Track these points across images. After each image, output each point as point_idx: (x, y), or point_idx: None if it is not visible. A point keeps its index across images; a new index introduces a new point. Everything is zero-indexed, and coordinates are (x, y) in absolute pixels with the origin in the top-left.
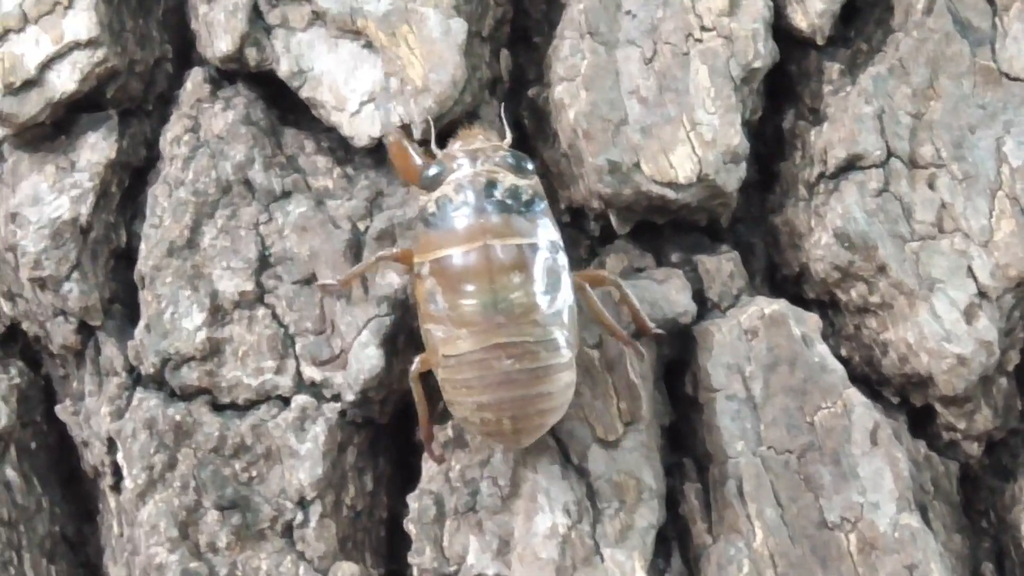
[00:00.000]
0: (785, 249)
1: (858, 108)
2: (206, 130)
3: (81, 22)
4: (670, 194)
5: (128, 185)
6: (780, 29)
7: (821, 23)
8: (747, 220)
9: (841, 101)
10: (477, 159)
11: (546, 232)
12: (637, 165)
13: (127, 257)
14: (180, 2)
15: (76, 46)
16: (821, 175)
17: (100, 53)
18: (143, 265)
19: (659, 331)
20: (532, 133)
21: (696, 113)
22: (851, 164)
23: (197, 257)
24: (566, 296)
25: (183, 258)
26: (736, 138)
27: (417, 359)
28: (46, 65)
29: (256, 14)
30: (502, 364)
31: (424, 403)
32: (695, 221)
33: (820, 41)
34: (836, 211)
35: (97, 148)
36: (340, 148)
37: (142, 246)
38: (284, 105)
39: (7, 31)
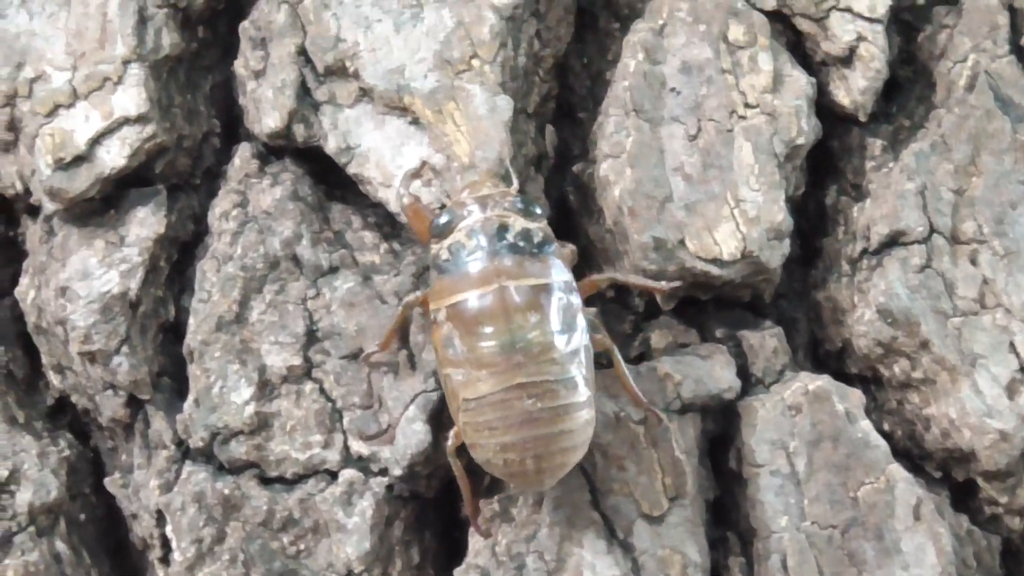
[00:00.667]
0: (828, 324)
1: (900, 184)
2: (254, 205)
3: (131, 98)
4: (714, 271)
5: (176, 259)
6: (823, 106)
7: (864, 100)
8: (790, 295)
9: (883, 177)
10: (487, 205)
11: (559, 273)
12: (682, 242)
13: (175, 331)
14: (227, 77)
15: (126, 122)
16: (864, 251)
17: (149, 129)
18: (192, 339)
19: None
20: (577, 209)
21: (740, 190)
22: (894, 240)
23: (245, 332)
24: (581, 336)
25: (231, 333)
26: (780, 215)
27: (451, 433)
28: (96, 141)
29: (304, 91)
30: (523, 404)
31: (465, 478)
32: (739, 297)
33: (862, 118)
34: (879, 287)
35: (146, 223)
36: (387, 223)
37: (191, 320)
38: (331, 180)
39: (57, 106)
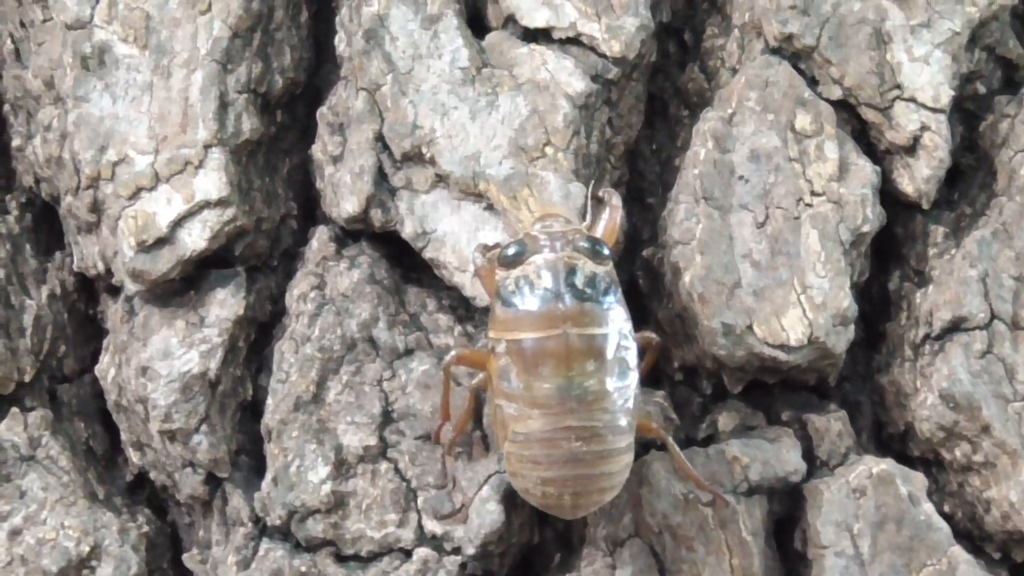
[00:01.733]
0: (891, 408)
1: (963, 271)
2: (332, 288)
3: (212, 181)
4: (782, 356)
5: (254, 339)
6: (887, 193)
7: (927, 189)
8: (854, 379)
9: (946, 264)
10: (557, 242)
11: (618, 320)
12: (750, 328)
13: (253, 409)
14: (304, 159)
15: (207, 205)
16: (927, 336)
17: (230, 212)
18: (270, 419)
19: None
20: (647, 292)
21: (807, 276)
22: (956, 326)
23: (322, 412)
24: (633, 383)
25: (309, 412)
26: (845, 301)
27: (453, 352)
28: (177, 223)
29: (381, 176)
30: (571, 445)
31: (448, 393)
32: (804, 380)
33: (926, 205)
34: (941, 372)
35: (226, 304)
36: (461, 306)
37: (269, 400)
38: (407, 263)
39: (140, 189)
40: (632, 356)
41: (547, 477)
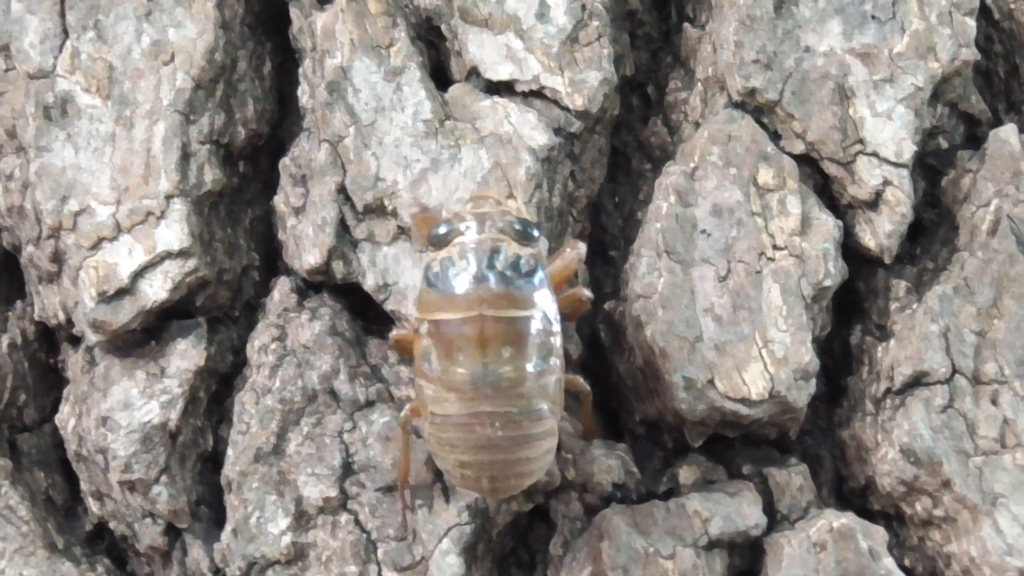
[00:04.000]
0: (852, 462)
1: (924, 326)
2: (293, 339)
3: (173, 233)
4: (743, 410)
5: (215, 390)
6: (848, 247)
7: (889, 244)
8: (815, 432)
9: (908, 319)
10: (485, 223)
11: (542, 302)
12: (711, 382)
13: (213, 460)
14: (266, 210)
15: (168, 256)
16: (888, 390)
17: (191, 263)
18: (230, 470)
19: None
20: (608, 346)
21: (769, 331)
22: (917, 380)
23: (283, 463)
24: (555, 366)
25: (269, 464)
26: (807, 356)
27: (407, 407)
28: (139, 274)
29: (343, 228)
30: (486, 430)
31: (407, 449)
32: (765, 434)
33: (887, 260)
34: (902, 427)
35: (187, 355)
36: None
37: (229, 451)
38: (368, 314)
39: (101, 240)
40: (556, 340)
41: (464, 460)
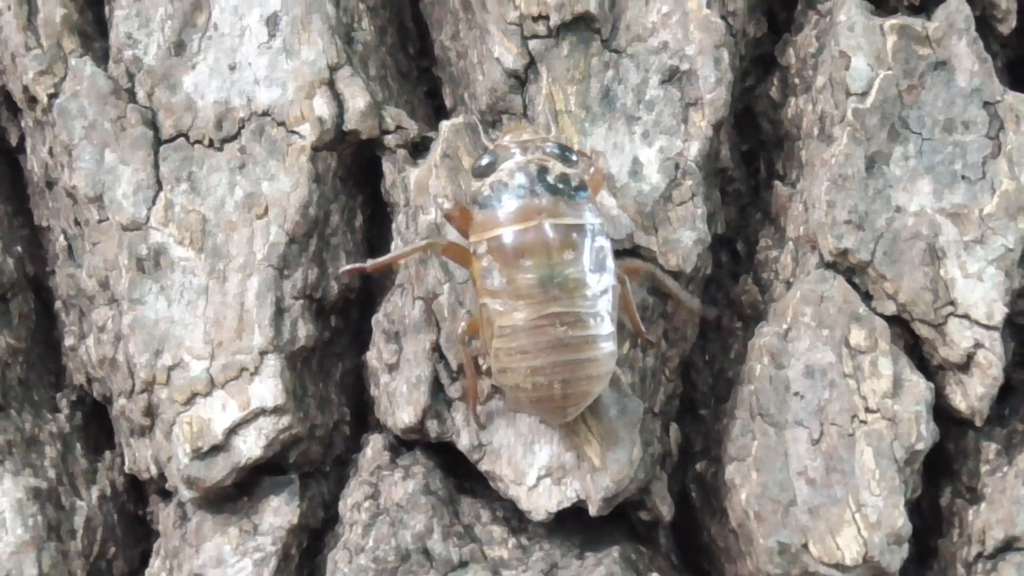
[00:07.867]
0: None
1: (1015, 490)
2: (386, 497)
3: (267, 388)
4: (837, 575)
5: (305, 546)
6: (939, 407)
7: (980, 406)
8: None
9: (999, 482)
10: (527, 149)
11: (592, 216)
12: (805, 546)
13: None
14: (356, 364)
15: (262, 412)
16: (979, 555)
17: (285, 420)
18: None
19: (711, 309)
20: (699, 506)
21: (861, 494)
22: (1008, 545)
23: None
24: (609, 277)
25: None
26: (900, 520)
27: (463, 323)
28: (232, 430)
29: (437, 387)
30: (556, 330)
31: (472, 365)
32: None
33: (979, 423)
34: None
35: (280, 512)
36: (515, 517)
37: None
38: (460, 472)
39: (195, 395)
40: (607, 254)
41: (535, 366)
